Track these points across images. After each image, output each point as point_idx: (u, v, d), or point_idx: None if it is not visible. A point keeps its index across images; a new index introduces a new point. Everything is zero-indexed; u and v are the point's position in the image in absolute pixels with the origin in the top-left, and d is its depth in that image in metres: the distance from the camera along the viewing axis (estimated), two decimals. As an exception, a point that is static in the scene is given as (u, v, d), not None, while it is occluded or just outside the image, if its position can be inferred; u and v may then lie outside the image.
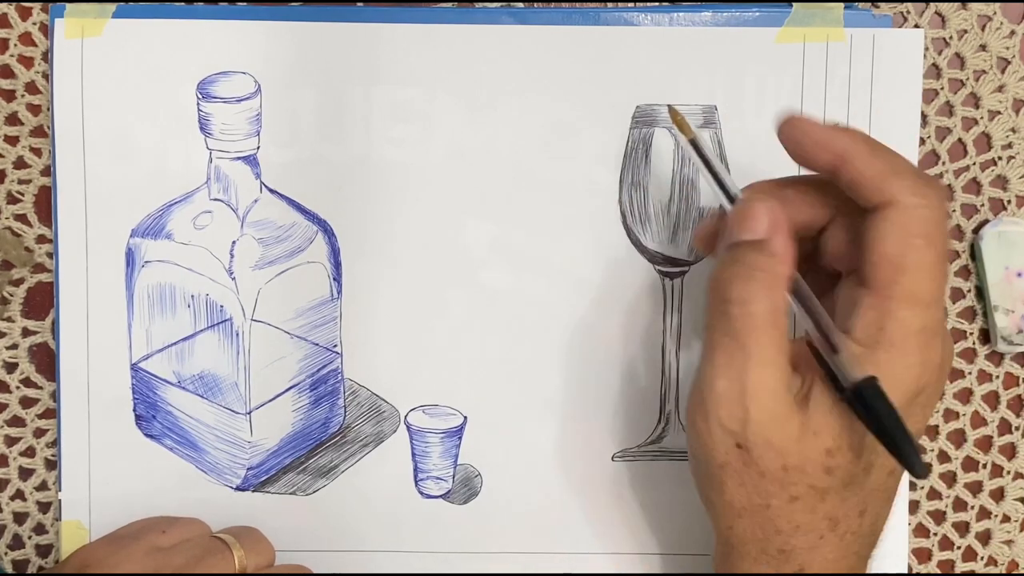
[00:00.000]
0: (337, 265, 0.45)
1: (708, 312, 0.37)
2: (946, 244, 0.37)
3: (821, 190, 0.39)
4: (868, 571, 0.39)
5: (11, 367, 0.47)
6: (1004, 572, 0.48)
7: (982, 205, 0.47)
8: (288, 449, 0.46)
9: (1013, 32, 0.46)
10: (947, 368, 0.38)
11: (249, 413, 0.45)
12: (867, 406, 0.35)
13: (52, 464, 0.47)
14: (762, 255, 0.36)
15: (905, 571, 0.47)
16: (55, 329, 0.46)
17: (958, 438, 0.48)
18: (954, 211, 0.46)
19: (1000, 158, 0.46)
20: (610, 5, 0.45)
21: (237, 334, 0.45)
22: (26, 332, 0.47)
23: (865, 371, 0.35)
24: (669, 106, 0.41)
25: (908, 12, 0.45)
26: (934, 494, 0.48)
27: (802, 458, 0.36)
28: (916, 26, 0.45)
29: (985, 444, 0.48)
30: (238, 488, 0.46)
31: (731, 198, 0.38)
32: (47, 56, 0.45)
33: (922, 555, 0.48)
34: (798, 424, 0.36)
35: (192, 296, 0.45)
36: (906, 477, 0.45)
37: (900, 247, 0.35)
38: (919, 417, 0.37)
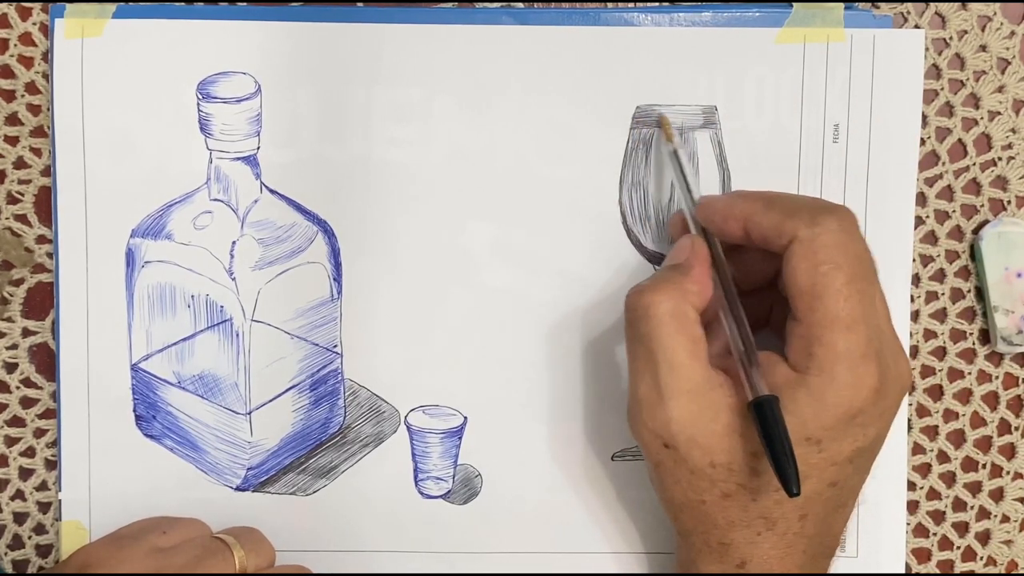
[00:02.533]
0: (337, 265, 0.45)
1: (625, 329, 0.40)
2: (860, 264, 0.38)
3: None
4: (828, 571, 0.41)
5: (11, 367, 0.47)
6: (1004, 572, 0.48)
7: (982, 205, 0.47)
8: (288, 449, 0.46)
9: (1013, 32, 0.46)
10: (890, 391, 0.38)
11: (249, 413, 0.45)
12: (763, 421, 0.36)
13: (52, 464, 0.47)
14: (673, 271, 0.40)
15: (904, 571, 0.47)
16: (55, 329, 0.46)
17: (957, 438, 0.48)
18: (954, 211, 0.46)
19: (1000, 158, 0.46)
20: (610, 5, 0.45)
21: (237, 334, 0.45)
22: (26, 332, 0.47)
23: (793, 395, 0.37)
24: (661, 115, 0.43)
25: (908, 12, 0.45)
26: (934, 494, 0.48)
27: (729, 456, 0.38)
28: (916, 26, 0.45)
29: (985, 444, 0.48)
30: (238, 488, 0.46)
31: (691, 210, 0.42)
32: (47, 56, 0.45)
33: (921, 555, 0.48)
34: (724, 424, 0.38)
35: (192, 296, 0.45)
36: (900, 478, 0.46)
37: (809, 277, 0.37)
38: (856, 436, 0.38)
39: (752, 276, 0.42)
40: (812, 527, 0.39)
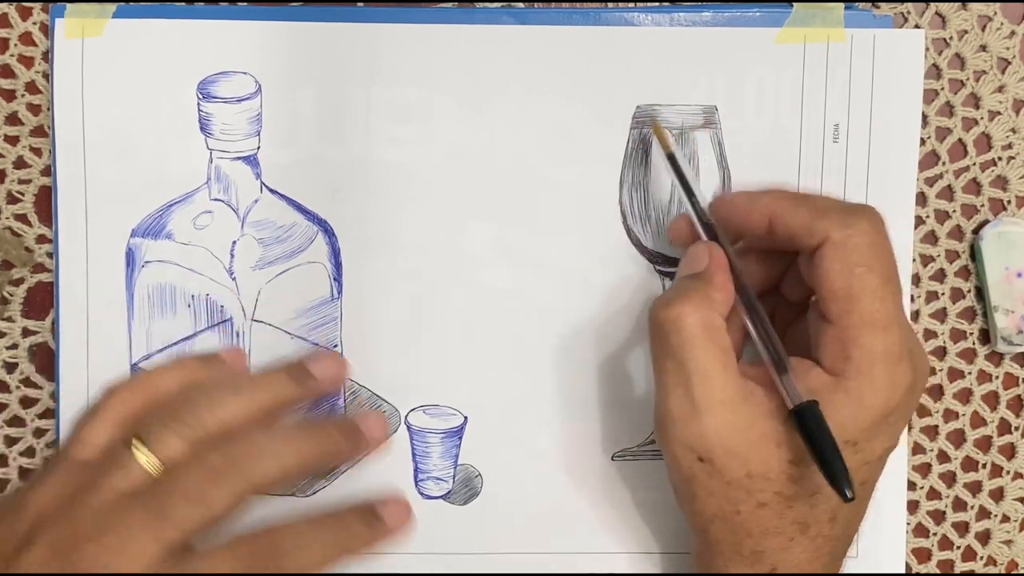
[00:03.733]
0: (337, 265, 0.45)
1: (651, 343, 0.39)
2: (891, 265, 0.38)
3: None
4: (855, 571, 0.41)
5: (11, 367, 0.47)
6: (1004, 572, 0.48)
7: (982, 205, 0.47)
8: (288, 449, 0.46)
9: (1013, 32, 0.46)
10: (919, 388, 0.39)
11: (249, 413, 0.45)
12: (806, 428, 0.36)
13: (52, 464, 0.47)
14: (696, 280, 0.39)
15: (904, 571, 0.47)
16: (55, 329, 0.46)
17: (958, 438, 0.48)
18: (954, 211, 0.46)
19: (1000, 158, 0.46)
20: (610, 5, 0.45)
21: (238, 334, 0.45)
22: (26, 332, 0.47)
23: (831, 398, 0.37)
24: (653, 120, 0.43)
25: (908, 12, 0.46)
26: (933, 494, 0.48)
27: (765, 466, 0.37)
28: (916, 26, 0.45)
29: (985, 444, 0.48)
30: (238, 488, 0.46)
31: (699, 214, 0.41)
32: (47, 56, 0.45)
33: (922, 555, 0.48)
34: (760, 433, 0.37)
35: (192, 296, 0.45)
36: (900, 478, 0.46)
37: (843, 279, 0.37)
38: (888, 435, 0.38)
39: (752, 281, 0.41)
40: (840, 528, 0.39)
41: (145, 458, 0.37)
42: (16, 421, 0.47)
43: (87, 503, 0.37)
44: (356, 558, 0.39)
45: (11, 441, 0.47)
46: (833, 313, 0.38)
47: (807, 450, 0.36)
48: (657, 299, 0.39)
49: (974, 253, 0.46)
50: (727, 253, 0.40)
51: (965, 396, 0.47)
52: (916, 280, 0.47)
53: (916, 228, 0.46)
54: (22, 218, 0.46)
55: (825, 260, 0.38)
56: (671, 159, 0.42)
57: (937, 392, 0.47)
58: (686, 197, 0.41)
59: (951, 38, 0.46)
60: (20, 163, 0.46)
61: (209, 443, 0.38)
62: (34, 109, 0.46)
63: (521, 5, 0.46)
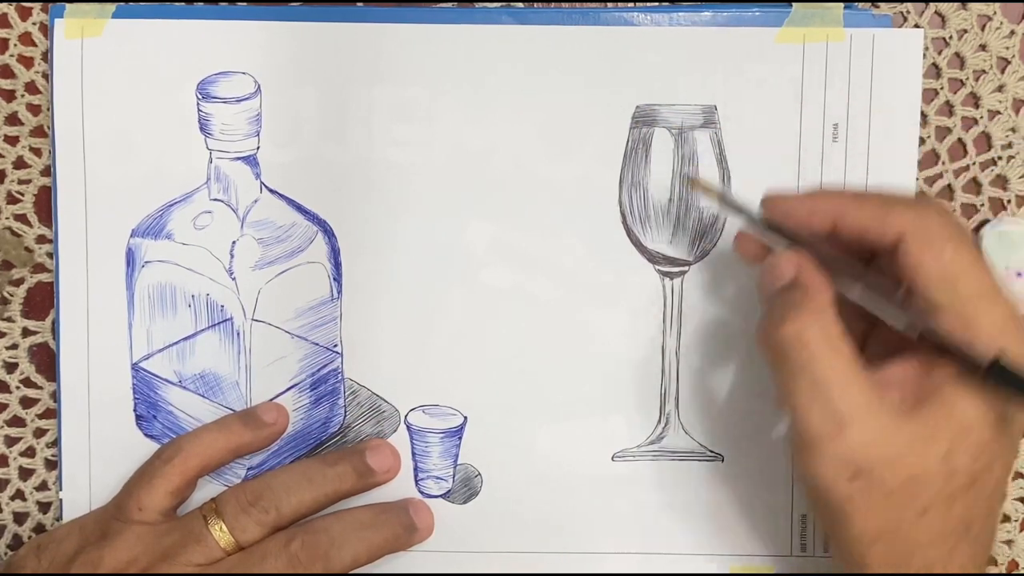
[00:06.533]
0: (337, 265, 0.45)
1: (772, 370, 0.37)
2: (974, 245, 0.37)
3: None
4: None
5: (11, 367, 0.47)
6: (1004, 572, 0.48)
7: (982, 205, 0.47)
8: (288, 449, 0.46)
9: (1013, 32, 0.46)
10: None
11: (249, 413, 0.45)
12: (1010, 378, 0.35)
13: (52, 464, 0.47)
14: (796, 291, 0.37)
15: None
16: (55, 329, 0.46)
17: (958, 438, 0.48)
18: (954, 211, 0.46)
19: (1000, 158, 0.46)
20: (610, 5, 0.45)
21: (238, 334, 0.45)
22: (26, 332, 0.47)
23: (970, 380, 0.36)
24: (690, 176, 0.44)
25: (908, 12, 0.46)
26: (934, 494, 0.48)
27: (923, 467, 0.36)
28: (916, 26, 0.45)
29: (985, 444, 0.48)
30: (238, 488, 0.46)
31: (766, 230, 0.40)
32: (47, 56, 0.45)
33: (922, 555, 0.48)
34: (908, 433, 0.36)
35: (192, 296, 0.45)
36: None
37: (938, 263, 0.36)
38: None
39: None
40: (993, 522, 0.38)
41: (225, 538, 0.41)
42: (16, 421, 0.47)
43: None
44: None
45: (11, 441, 0.47)
46: (942, 298, 0.36)
47: (1021, 398, 0.35)
48: (762, 323, 0.38)
49: (974, 253, 0.46)
50: (808, 252, 0.38)
51: (965, 396, 0.47)
52: (916, 280, 0.47)
53: (916, 228, 0.46)
54: (22, 218, 0.46)
55: (913, 249, 0.36)
56: (723, 199, 0.42)
57: (937, 392, 0.47)
58: (747, 222, 0.40)
59: (951, 37, 0.46)
60: (20, 163, 0.46)
61: (288, 533, 0.42)
62: (34, 109, 0.46)
63: (521, 5, 0.46)
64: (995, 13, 0.46)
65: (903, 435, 0.36)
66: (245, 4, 0.45)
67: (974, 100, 0.46)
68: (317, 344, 0.46)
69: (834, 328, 0.36)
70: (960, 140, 0.46)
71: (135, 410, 0.46)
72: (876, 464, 0.35)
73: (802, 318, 0.36)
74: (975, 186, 0.47)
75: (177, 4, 0.45)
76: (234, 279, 0.45)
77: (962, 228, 0.37)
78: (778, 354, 0.37)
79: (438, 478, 0.46)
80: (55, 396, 0.46)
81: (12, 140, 0.46)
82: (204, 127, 0.45)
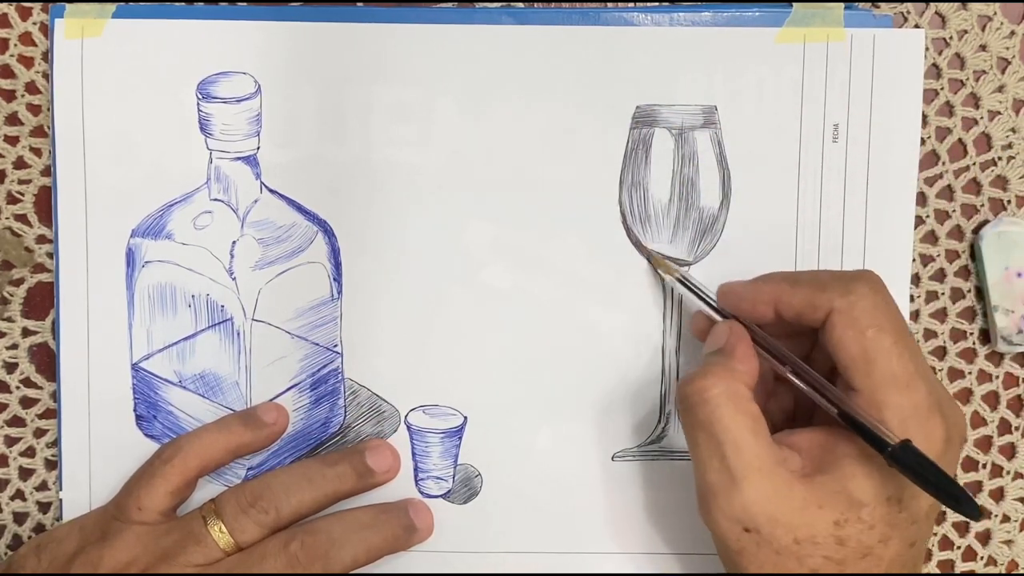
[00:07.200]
0: (337, 265, 0.45)
1: (681, 420, 0.39)
2: (900, 323, 0.38)
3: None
4: None
5: (11, 367, 0.47)
6: (1004, 572, 0.48)
7: (982, 205, 0.47)
8: (288, 449, 0.46)
9: (1013, 32, 0.46)
10: (955, 440, 0.38)
11: (249, 413, 0.45)
12: (909, 465, 0.36)
13: (52, 464, 0.47)
14: (718, 355, 0.40)
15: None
16: (55, 329, 0.46)
17: (958, 438, 0.48)
18: (954, 211, 0.46)
19: (1000, 158, 0.46)
20: (610, 5, 0.45)
21: (238, 334, 0.45)
22: (26, 332, 0.47)
23: (870, 460, 0.37)
24: (651, 251, 0.45)
25: (908, 12, 0.46)
26: (934, 494, 0.48)
27: (811, 530, 0.37)
28: (916, 26, 0.45)
29: (985, 444, 0.48)
30: (238, 488, 0.46)
31: (718, 312, 0.42)
32: (47, 56, 0.45)
33: (922, 555, 0.48)
34: (800, 498, 0.37)
35: (193, 296, 0.45)
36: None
37: (857, 344, 0.38)
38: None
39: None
40: None
41: (224, 539, 0.42)
42: (16, 421, 0.47)
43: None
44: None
45: (11, 441, 0.47)
46: (856, 380, 0.38)
47: (919, 486, 0.36)
48: (683, 378, 0.39)
49: (974, 253, 0.46)
50: (751, 329, 0.40)
51: (965, 396, 0.47)
52: (916, 280, 0.47)
53: (916, 228, 0.46)
54: (22, 218, 0.46)
55: (835, 329, 0.38)
56: (681, 282, 0.44)
57: (937, 392, 0.47)
58: (701, 303, 0.42)
59: (951, 38, 0.46)
60: (20, 163, 0.46)
61: (288, 533, 0.42)
62: (34, 109, 0.46)
63: (521, 5, 0.46)
64: (995, 13, 0.46)
65: (795, 498, 0.37)
66: (245, 4, 0.45)
67: (974, 100, 0.46)
68: (317, 344, 0.46)
69: (740, 390, 0.38)
70: (960, 140, 0.46)
71: (135, 410, 0.46)
72: (765, 523, 0.37)
73: (710, 376, 0.38)
74: (975, 186, 0.47)
75: (177, 4, 0.45)
76: (234, 279, 0.45)
77: (891, 308, 0.38)
78: (684, 406, 0.39)
79: (438, 478, 0.46)
80: (55, 396, 0.46)
81: (12, 140, 0.46)
82: (204, 127, 0.45)
